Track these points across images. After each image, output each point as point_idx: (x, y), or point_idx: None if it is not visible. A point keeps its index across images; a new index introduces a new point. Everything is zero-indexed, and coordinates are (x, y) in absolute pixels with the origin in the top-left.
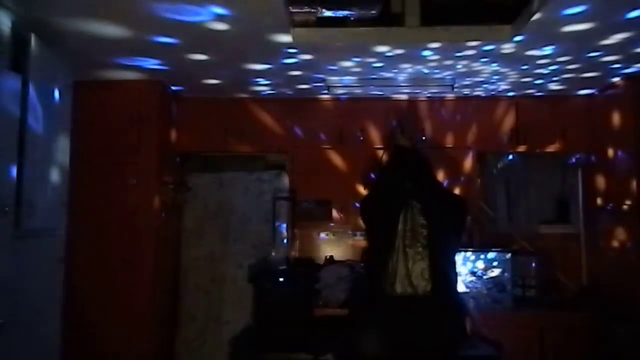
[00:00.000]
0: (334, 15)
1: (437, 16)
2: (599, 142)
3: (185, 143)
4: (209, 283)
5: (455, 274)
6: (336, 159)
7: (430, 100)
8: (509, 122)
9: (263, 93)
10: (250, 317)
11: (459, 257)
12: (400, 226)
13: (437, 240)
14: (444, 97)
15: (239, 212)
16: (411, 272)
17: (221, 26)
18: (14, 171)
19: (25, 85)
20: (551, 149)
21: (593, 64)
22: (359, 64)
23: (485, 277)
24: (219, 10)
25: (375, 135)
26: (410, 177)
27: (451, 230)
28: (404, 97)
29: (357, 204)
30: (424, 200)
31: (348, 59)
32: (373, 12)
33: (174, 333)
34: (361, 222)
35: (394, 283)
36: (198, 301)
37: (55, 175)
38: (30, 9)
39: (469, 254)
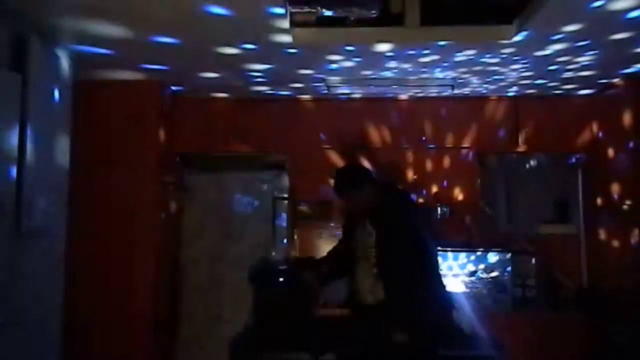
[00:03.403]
0: (334, 15)
1: (437, 16)
2: (599, 142)
3: (185, 143)
4: (209, 283)
5: (417, 290)
6: (336, 159)
7: (430, 100)
8: (509, 122)
9: (263, 93)
10: (250, 317)
11: (453, 260)
12: (353, 243)
13: (385, 261)
14: (444, 97)
15: (239, 212)
16: (361, 287)
17: (221, 26)
18: (14, 171)
19: (25, 85)
20: (551, 149)
21: (593, 64)
22: (359, 64)
23: (485, 277)
24: (219, 10)
25: (375, 135)
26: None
27: (404, 250)
28: (404, 97)
29: None
30: (375, 221)
31: (348, 59)
32: (373, 12)
33: (173, 333)
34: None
35: (355, 291)
36: (198, 301)
37: (55, 175)
38: (30, 9)
39: (469, 254)
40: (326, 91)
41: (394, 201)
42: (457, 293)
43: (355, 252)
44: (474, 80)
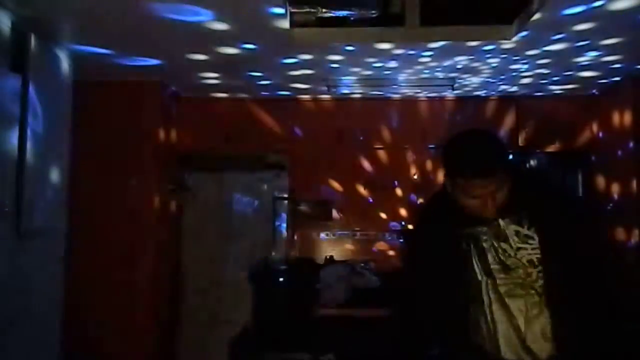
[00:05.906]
0: (334, 15)
1: (437, 16)
2: (599, 142)
3: (185, 143)
4: (209, 283)
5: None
6: (336, 159)
7: (430, 100)
8: (509, 122)
9: (263, 93)
10: (250, 317)
11: None
12: (475, 259)
13: (557, 277)
14: (444, 97)
15: (239, 212)
16: (525, 334)
17: (221, 26)
18: (14, 171)
19: (25, 85)
20: (551, 149)
21: (593, 64)
22: (359, 64)
23: None
24: (219, 10)
25: (375, 135)
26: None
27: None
28: (404, 97)
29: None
30: (536, 219)
31: (348, 59)
32: (373, 12)
33: (174, 333)
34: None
35: (499, 347)
36: (198, 301)
37: (55, 175)
38: (30, 9)
39: None
40: (326, 91)
41: (555, 188)
42: None
43: (483, 277)
44: (474, 80)
